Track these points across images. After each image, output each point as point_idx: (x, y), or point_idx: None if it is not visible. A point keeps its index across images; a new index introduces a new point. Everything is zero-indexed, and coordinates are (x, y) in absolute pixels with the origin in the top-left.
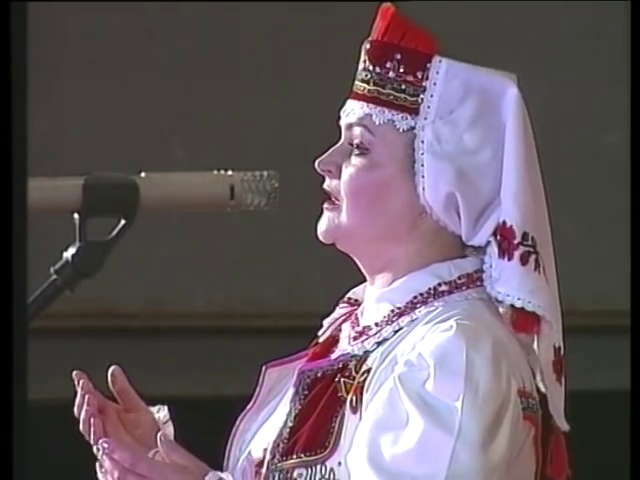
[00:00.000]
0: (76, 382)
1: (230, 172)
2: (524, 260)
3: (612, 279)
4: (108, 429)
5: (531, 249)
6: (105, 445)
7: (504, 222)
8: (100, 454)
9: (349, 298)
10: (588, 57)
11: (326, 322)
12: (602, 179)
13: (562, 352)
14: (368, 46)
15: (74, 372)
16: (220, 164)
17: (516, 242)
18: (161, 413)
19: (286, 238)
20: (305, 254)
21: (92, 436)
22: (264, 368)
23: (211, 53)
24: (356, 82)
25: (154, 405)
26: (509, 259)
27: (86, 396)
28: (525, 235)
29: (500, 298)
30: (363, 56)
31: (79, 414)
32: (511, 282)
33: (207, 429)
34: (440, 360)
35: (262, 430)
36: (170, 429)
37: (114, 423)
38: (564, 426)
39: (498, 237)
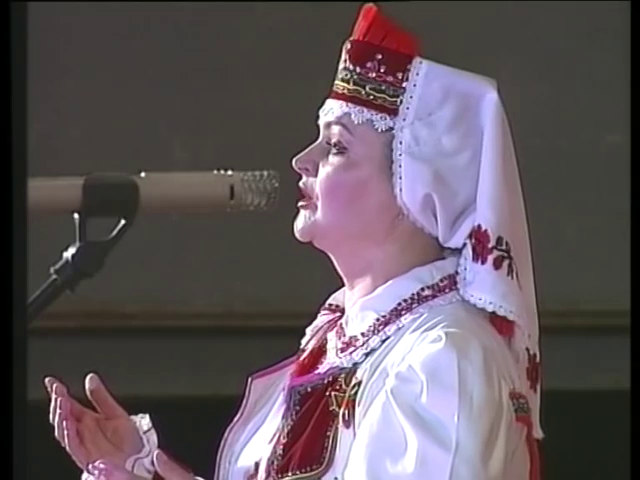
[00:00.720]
0: (49, 388)
1: (230, 172)
2: (497, 264)
3: (612, 279)
4: (86, 436)
5: (505, 254)
6: (102, 466)
7: (479, 226)
8: (97, 475)
9: (330, 304)
10: (588, 57)
11: (309, 330)
12: (602, 179)
13: (537, 359)
14: (349, 46)
15: (46, 379)
16: (220, 164)
17: (490, 246)
18: (143, 422)
19: (286, 238)
20: (305, 254)
21: (66, 440)
22: (250, 379)
23: (211, 53)
24: (336, 81)
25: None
26: (483, 263)
27: (58, 399)
28: (499, 240)
29: (472, 301)
30: (344, 55)
31: (54, 419)
32: (484, 286)
33: (206, 429)
34: (432, 373)
35: (251, 442)
36: (153, 437)
37: (92, 430)
38: (539, 434)
39: (473, 240)
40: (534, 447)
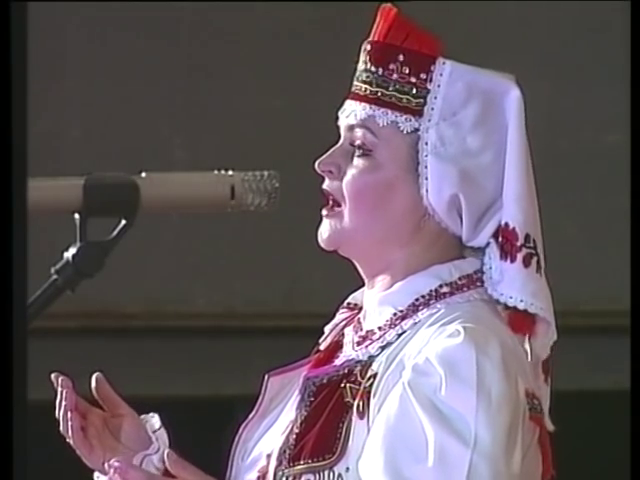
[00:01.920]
0: (55, 383)
1: (230, 172)
2: (527, 262)
3: (612, 279)
4: (91, 432)
5: (533, 251)
6: (117, 464)
7: (506, 224)
8: (112, 473)
9: (348, 303)
10: (588, 57)
11: (327, 328)
12: (602, 179)
13: (550, 352)
14: (369, 47)
15: (52, 374)
16: (220, 164)
17: (519, 244)
18: (153, 420)
19: (286, 238)
20: (305, 254)
21: (69, 432)
22: (267, 376)
23: (211, 53)
24: (356, 83)
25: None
26: (512, 261)
27: (63, 392)
28: (527, 237)
29: (502, 300)
30: (364, 57)
31: (59, 413)
32: (514, 284)
33: (207, 429)
34: (450, 367)
35: (265, 438)
36: (164, 436)
37: (98, 428)
38: (549, 426)
39: (500, 239)
40: (547, 444)
